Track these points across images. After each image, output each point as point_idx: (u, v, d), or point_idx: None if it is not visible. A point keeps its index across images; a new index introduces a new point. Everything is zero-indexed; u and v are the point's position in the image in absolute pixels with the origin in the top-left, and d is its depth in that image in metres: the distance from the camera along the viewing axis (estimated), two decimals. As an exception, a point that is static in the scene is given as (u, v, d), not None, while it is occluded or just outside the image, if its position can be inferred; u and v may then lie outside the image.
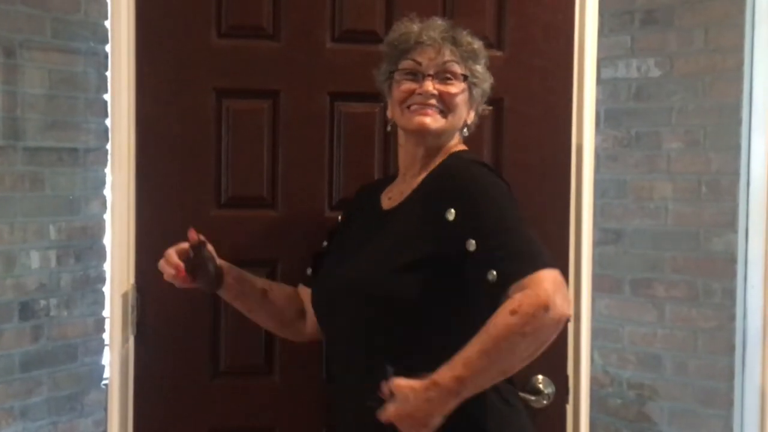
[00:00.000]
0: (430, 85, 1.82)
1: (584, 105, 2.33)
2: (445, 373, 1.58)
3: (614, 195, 3.48)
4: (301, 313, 2.06)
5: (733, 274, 3.18)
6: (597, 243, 3.15)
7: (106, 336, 3.42)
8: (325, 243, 2.05)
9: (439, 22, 1.88)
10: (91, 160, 3.40)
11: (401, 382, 1.59)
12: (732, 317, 3.18)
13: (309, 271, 2.06)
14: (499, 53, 2.26)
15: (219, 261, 1.97)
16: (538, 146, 2.28)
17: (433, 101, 1.82)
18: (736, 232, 3.17)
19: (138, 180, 2.21)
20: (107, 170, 3.30)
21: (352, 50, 2.22)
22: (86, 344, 3.43)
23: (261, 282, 2.06)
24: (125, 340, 2.23)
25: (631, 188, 3.45)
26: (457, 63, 1.84)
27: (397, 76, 1.87)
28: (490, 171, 1.81)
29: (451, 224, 1.70)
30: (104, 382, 3.40)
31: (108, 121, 2.44)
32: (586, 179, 2.34)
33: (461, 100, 1.84)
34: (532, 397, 2.24)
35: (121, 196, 2.23)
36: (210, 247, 1.94)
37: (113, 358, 2.25)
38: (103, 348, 3.45)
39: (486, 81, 1.90)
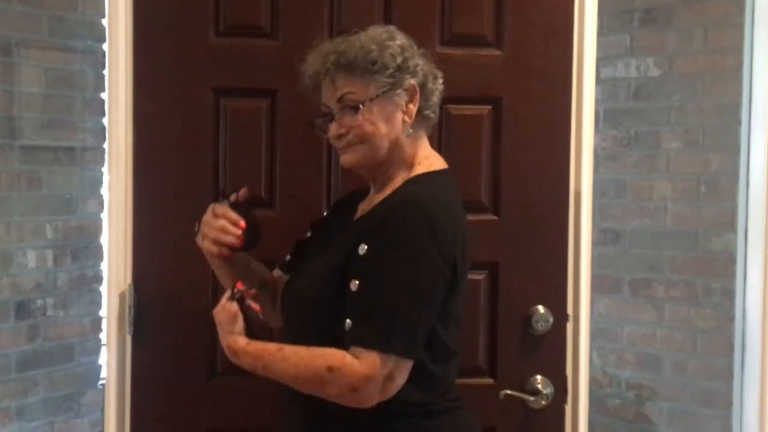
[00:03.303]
0: (333, 129, 1.80)
1: (583, 105, 2.33)
2: (246, 356, 1.77)
3: (613, 195, 3.47)
4: (277, 298, 2.03)
5: (733, 275, 3.17)
6: (596, 243, 3.15)
7: (103, 336, 3.40)
8: (309, 234, 2.01)
9: (327, 47, 1.80)
10: (88, 159, 3.38)
11: (232, 311, 1.78)
12: (731, 318, 3.18)
13: (288, 257, 2.02)
14: (497, 53, 2.26)
15: None
16: (537, 146, 2.27)
17: (343, 142, 1.80)
18: (735, 232, 3.16)
19: (135, 179, 2.21)
20: (104, 169, 3.28)
21: (350, 49, 2.21)
22: (83, 344, 3.41)
23: (249, 258, 2.02)
24: (122, 340, 2.23)
25: (630, 188, 3.45)
26: (352, 89, 1.77)
27: (322, 122, 1.85)
28: (434, 215, 1.71)
29: (358, 258, 1.71)
30: (101, 382, 3.38)
31: (105, 120, 2.43)
32: (585, 179, 2.34)
33: (371, 122, 1.77)
34: (531, 398, 2.24)
35: (118, 196, 2.22)
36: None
37: (110, 358, 2.25)
38: (99, 348, 3.44)
39: (403, 79, 1.77)
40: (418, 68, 1.80)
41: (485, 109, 2.26)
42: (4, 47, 3.11)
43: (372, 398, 1.68)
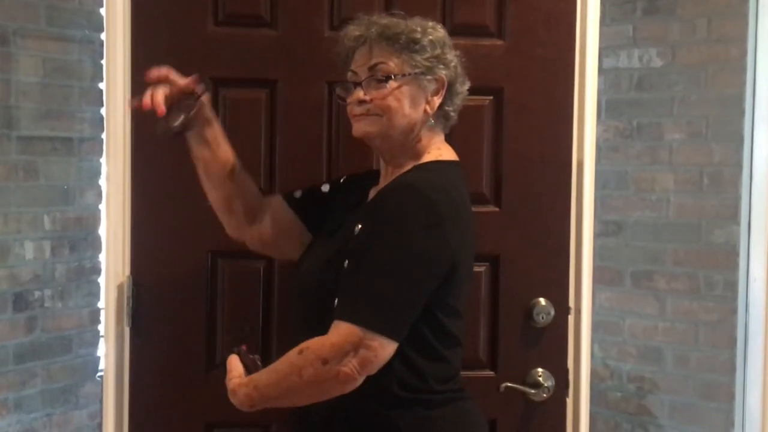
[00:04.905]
0: (356, 94, 1.81)
1: (585, 95, 2.31)
2: (241, 388, 1.74)
3: (615, 186, 3.46)
4: (255, 214, 2.02)
5: (735, 267, 3.16)
6: (598, 235, 3.14)
7: (101, 327, 3.40)
8: (326, 188, 2.03)
9: (372, 18, 1.84)
10: (85, 149, 3.37)
11: (232, 362, 1.80)
12: (734, 310, 3.17)
13: (298, 193, 2.03)
14: (499, 42, 2.24)
15: (208, 116, 1.93)
16: (538, 137, 2.26)
17: (362, 108, 1.80)
18: (738, 224, 3.16)
19: (133, 170, 2.20)
20: (102, 160, 3.27)
21: (350, 38, 2.19)
22: (81, 336, 3.41)
23: (236, 161, 1.99)
24: (120, 332, 2.22)
25: (633, 180, 3.44)
26: (387, 61, 1.79)
27: (345, 88, 1.86)
28: (433, 200, 1.71)
29: (353, 238, 1.74)
30: (99, 374, 3.38)
31: (103, 110, 2.42)
32: (587, 170, 2.32)
33: (397, 98, 1.78)
34: (532, 390, 2.24)
35: (116, 187, 2.21)
36: (205, 101, 1.91)
37: (108, 350, 2.24)
38: (98, 340, 3.44)
39: (437, 68, 1.80)
40: (452, 65, 1.84)
41: (487, 99, 2.24)
42: (1, 36, 3.09)
43: (347, 373, 1.64)
